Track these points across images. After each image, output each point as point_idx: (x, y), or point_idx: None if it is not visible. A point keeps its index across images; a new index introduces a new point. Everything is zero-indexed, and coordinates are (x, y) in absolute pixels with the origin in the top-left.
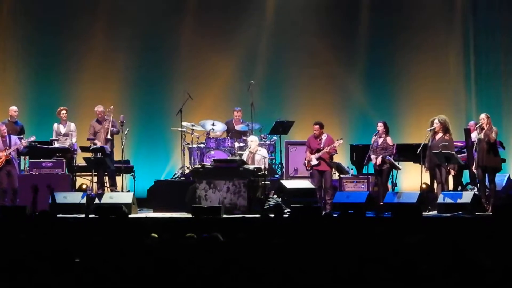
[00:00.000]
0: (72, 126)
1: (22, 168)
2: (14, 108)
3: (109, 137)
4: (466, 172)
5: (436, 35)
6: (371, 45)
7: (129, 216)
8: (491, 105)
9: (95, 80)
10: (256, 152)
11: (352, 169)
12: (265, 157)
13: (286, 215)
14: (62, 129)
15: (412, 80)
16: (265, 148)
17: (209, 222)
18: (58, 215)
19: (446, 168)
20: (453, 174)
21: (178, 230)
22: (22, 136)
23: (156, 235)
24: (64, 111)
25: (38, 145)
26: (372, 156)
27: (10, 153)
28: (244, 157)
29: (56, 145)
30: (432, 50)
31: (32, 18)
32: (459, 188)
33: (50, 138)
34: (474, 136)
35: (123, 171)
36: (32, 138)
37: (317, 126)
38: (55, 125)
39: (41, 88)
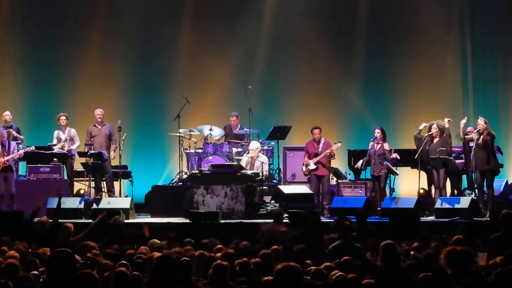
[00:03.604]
0: (73, 131)
1: (20, 173)
2: (7, 113)
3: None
4: (464, 177)
5: (433, 39)
6: (369, 49)
7: (126, 221)
8: (488, 110)
9: (92, 85)
10: (256, 158)
11: (349, 174)
12: (263, 163)
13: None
14: (62, 135)
15: (410, 84)
16: (263, 153)
17: (207, 227)
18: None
19: (444, 173)
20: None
21: (176, 235)
22: (19, 141)
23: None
24: (63, 117)
25: (36, 150)
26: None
27: (7, 160)
28: (243, 163)
29: (54, 150)
30: (430, 55)
31: (29, 23)
32: (457, 193)
33: (48, 143)
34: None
35: (120, 176)
36: (31, 148)
37: (317, 130)
38: (56, 131)
39: (38, 93)
